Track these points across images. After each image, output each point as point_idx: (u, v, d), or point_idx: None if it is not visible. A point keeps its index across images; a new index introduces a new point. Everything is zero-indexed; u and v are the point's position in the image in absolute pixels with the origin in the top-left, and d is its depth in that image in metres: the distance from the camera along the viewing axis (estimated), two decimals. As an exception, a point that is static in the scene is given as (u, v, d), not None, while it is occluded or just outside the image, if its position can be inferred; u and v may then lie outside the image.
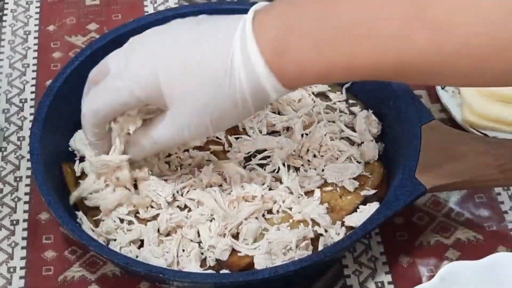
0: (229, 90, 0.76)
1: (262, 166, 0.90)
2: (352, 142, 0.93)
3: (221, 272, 0.84)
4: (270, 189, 0.88)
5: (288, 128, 0.93)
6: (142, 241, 0.86)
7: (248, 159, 0.91)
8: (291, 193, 0.88)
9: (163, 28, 0.80)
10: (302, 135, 0.92)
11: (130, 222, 0.86)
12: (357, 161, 0.90)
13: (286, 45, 0.74)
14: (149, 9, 1.15)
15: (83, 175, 0.91)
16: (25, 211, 0.93)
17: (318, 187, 0.89)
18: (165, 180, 0.88)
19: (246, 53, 0.75)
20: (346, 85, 0.98)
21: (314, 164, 0.91)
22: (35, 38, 1.11)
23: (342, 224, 0.86)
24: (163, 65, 0.77)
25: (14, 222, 0.93)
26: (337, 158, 0.91)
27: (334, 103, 0.96)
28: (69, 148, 0.93)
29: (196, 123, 0.78)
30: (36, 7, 1.15)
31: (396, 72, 0.72)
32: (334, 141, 0.92)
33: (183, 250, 0.85)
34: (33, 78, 1.06)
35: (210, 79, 0.76)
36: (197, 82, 0.76)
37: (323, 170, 0.90)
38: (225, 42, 0.76)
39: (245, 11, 1.00)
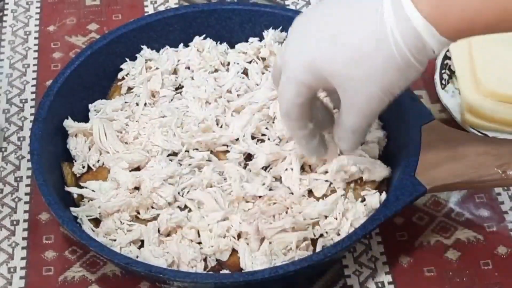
0: (386, 51, 0.74)
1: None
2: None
3: (221, 272, 0.84)
4: (270, 189, 0.88)
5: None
6: (142, 241, 0.86)
7: (248, 159, 0.91)
8: (292, 193, 0.88)
9: (310, 11, 0.80)
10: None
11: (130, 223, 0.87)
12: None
13: None
14: (149, 9, 1.15)
15: (83, 175, 0.91)
16: (25, 211, 0.93)
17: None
18: (165, 180, 0.88)
19: (399, 9, 0.73)
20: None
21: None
22: (35, 38, 1.11)
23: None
24: (315, 49, 0.77)
25: (15, 222, 0.93)
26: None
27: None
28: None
29: (368, 97, 0.76)
30: (37, 8, 1.15)
31: None
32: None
33: (183, 250, 0.85)
34: (33, 79, 1.06)
35: (362, 48, 0.75)
36: (349, 55, 0.75)
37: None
38: (373, 8, 0.75)
39: (245, 11, 1.02)
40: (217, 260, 0.84)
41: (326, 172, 0.88)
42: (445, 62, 1.03)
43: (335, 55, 0.76)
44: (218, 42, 1.02)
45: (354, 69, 0.75)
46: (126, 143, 0.93)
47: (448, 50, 1.04)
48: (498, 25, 0.73)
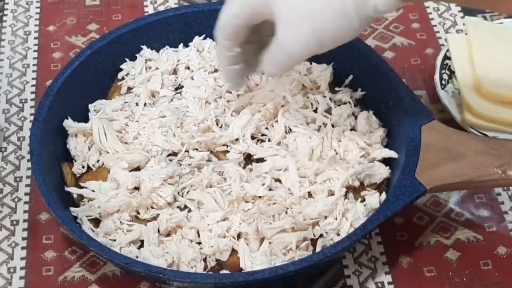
0: None
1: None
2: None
3: (221, 272, 0.84)
4: (270, 189, 0.88)
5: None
6: (142, 241, 0.86)
7: (248, 159, 0.91)
8: (292, 193, 0.88)
9: None
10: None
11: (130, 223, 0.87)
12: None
13: None
14: (149, 9, 1.15)
15: (83, 175, 0.91)
16: (25, 211, 0.93)
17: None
18: (165, 180, 0.88)
19: None
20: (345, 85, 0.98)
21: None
22: (35, 38, 1.11)
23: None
24: None
25: (14, 222, 0.93)
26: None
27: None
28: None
29: (298, 34, 0.78)
30: (36, 8, 1.15)
31: None
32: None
33: (183, 250, 0.85)
34: (33, 79, 1.06)
35: None
36: None
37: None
38: None
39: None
40: (217, 260, 0.84)
41: (328, 179, 0.89)
42: (445, 62, 1.03)
43: None
44: (218, 42, 1.02)
45: (297, 1, 0.77)
46: (126, 143, 0.93)
47: (448, 50, 1.04)
48: None
